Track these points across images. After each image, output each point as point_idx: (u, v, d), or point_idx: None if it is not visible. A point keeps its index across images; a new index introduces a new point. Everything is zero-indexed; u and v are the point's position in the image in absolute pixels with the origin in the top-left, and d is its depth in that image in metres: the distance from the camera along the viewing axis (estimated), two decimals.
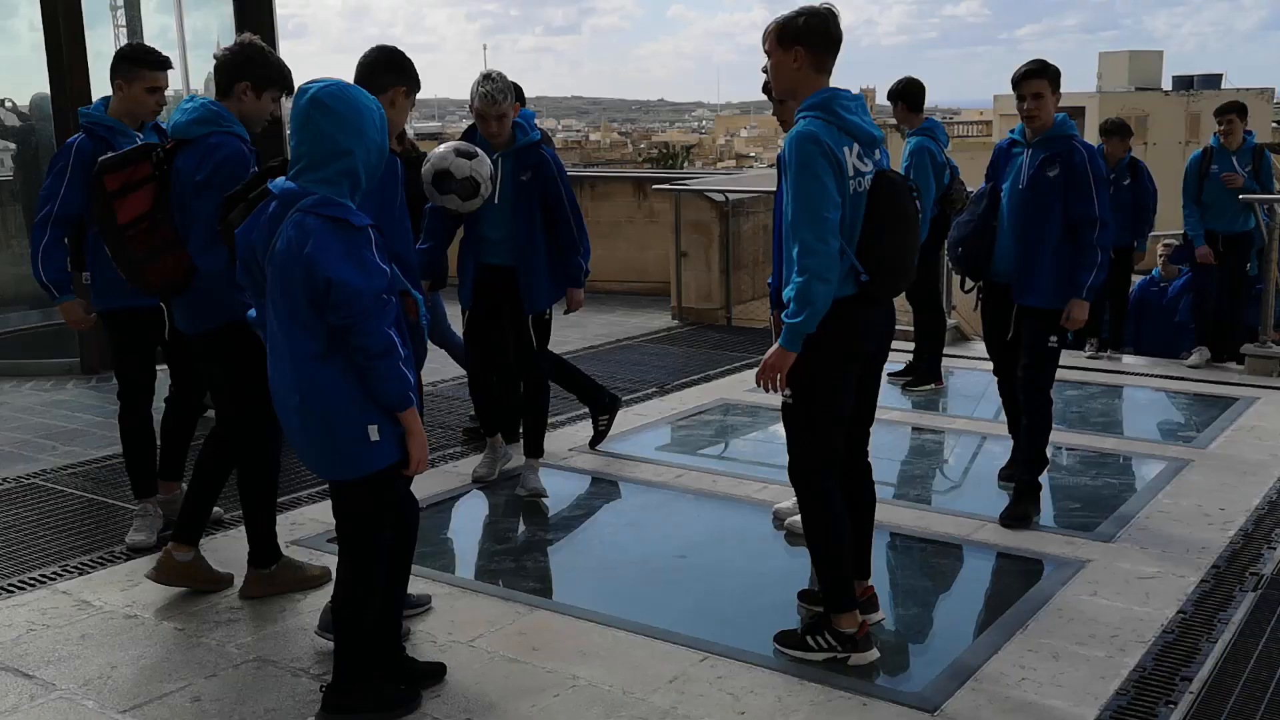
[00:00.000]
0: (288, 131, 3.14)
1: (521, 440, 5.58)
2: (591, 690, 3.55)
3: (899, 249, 3.60)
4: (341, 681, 3.26)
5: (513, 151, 5.10)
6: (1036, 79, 4.88)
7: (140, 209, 3.96)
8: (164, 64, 4.59)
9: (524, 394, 5.49)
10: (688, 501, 5.36)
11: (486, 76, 5.00)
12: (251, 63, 4.01)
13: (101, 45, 8.74)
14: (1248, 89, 59.97)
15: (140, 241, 3.96)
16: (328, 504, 3.56)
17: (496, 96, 4.96)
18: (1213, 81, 60.24)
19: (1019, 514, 4.93)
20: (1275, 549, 4.66)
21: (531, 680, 3.62)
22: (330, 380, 2.96)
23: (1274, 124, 57.33)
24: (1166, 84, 60.32)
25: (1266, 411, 6.89)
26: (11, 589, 4.35)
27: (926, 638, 4.11)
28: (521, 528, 5.19)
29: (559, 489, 5.54)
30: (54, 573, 4.49)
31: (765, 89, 4.29)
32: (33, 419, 6.97)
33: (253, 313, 3.27)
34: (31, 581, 4.43)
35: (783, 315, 3.51)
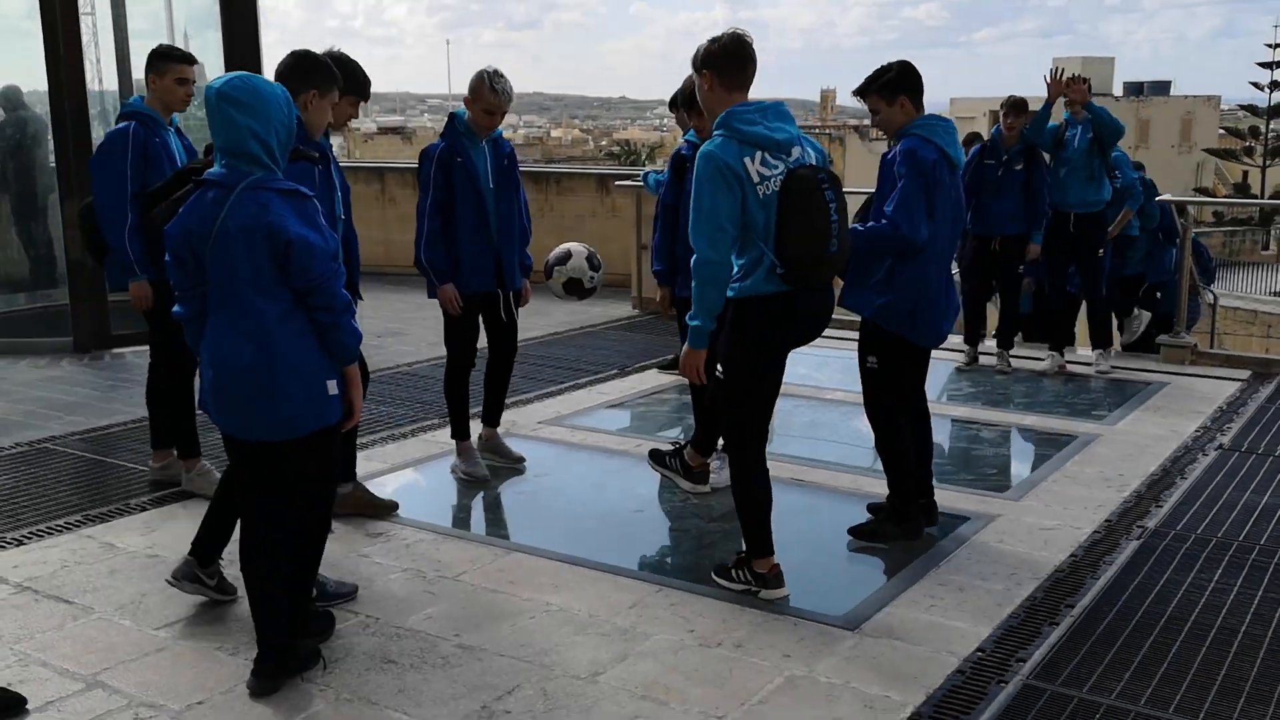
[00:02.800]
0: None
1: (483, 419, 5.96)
2: (562, 614, 4.13)
3: (809, 239, 3.90)
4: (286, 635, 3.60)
5: (493, 140, 5.49)
6: (863, 97, 4.76)
7: None
8: (189, 59, 5.15)
9: (499, 369, 5.86)
10: (645, 467, 5.93)
11: (499, 74, 5.30)
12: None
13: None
14: (1196, 96, 61.40)
15: None
16: None
17: (511, 94, 5.43)
18: (1162, 88, 61.58)
19: (868, 529, 4.92)
20: (1162, 507, 5.31)
21: (510, 607, 4.19)
22: (293, 339, 3.35)
23: (1220, 130, 58.75)
24: (1118, 90, 61.52)
25: (1174, 394, 7.57)
26: (41, 534, 4.86)
27: (853, 575, 4.72)
28: (496, 486, 5.75)
29: (530, 455, 6.08)
30: (78, 520, 5.01)
31: (671, 102, 4.86)
32: (33, 392, 7.43)
33: (178, 309, 3.49)
34: (59, 528, 4.94)
35: (686, 318, 4.05)
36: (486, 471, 5.73)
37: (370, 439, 6.22)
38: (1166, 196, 8.91)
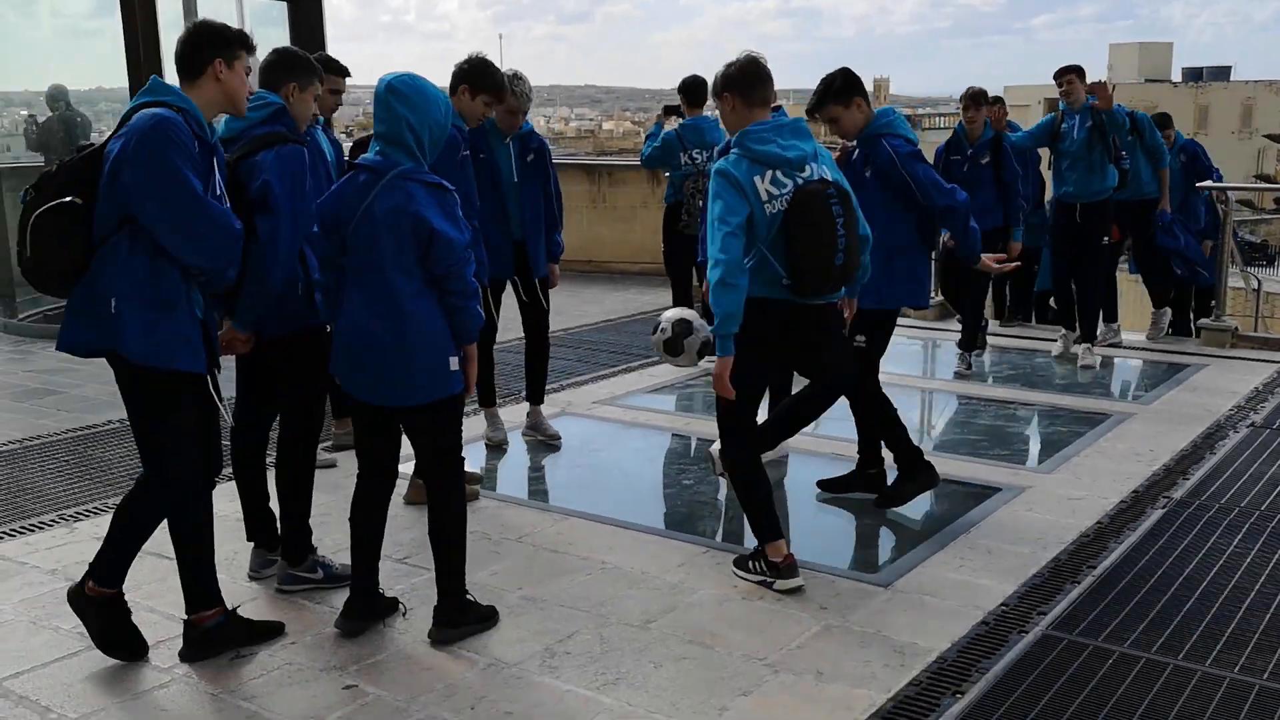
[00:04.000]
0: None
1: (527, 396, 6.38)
2: (617, 571, 4.47)
3: (816, 252, 4.09)
4: (460, 593, 3.93)
5: (519, 137, 5.85)
6: (819, 111, 4.98)
7: None
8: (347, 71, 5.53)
9: (533, 351, 6.21)
10: (692, 443, 6.27)
11: (518, 77, 5.69)
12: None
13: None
14: (1257, 81, 60.40)
15: None
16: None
17: (530, 95, 5.81)
18: (1222, 73, 60.63)
19: (891, 493, 5.17)
20: (1189, 479, 5.55)
21: (569, 565, 4.54)
22: (426, 314, 3.69)
23: None
24: (1176, 75, 60.67)
25: (1211, 376, 7.77)
26: None
27: (892, 540, 5.02)
28: (552, 459, 6.11)
29: (585, 432, 6.47)
30: None
31: (811, 107, 5.04)
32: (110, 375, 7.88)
33: (318, 276, 3.90)
34: None
35: (711, 328, 4.25)
36: (505, 436, 6.19)
37: None
38: (1208, 183, 9.04)
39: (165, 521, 3.76)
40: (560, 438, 6.30)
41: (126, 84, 9.25)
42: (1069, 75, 7.91)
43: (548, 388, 7.06)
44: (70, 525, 5.06)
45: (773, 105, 4.37)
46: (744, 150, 4.13)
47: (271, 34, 10.12)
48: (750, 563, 4.42)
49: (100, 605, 3.72)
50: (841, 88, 4.91)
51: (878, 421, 5.10)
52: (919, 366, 8.35)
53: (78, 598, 3.74)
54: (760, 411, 4.55)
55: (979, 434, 6.57)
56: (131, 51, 9.03)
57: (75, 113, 10.73)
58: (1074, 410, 6.99)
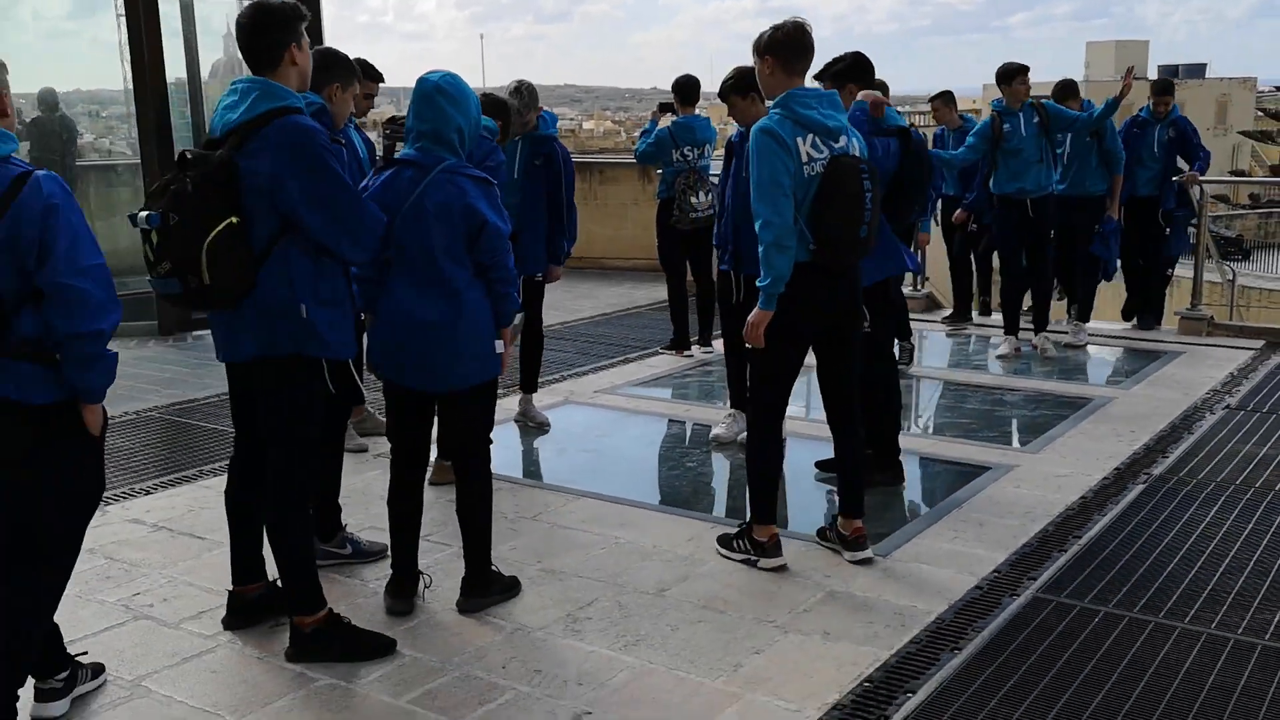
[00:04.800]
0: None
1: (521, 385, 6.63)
2: (630, 545, 4.72)
3: (843, 223, 4.18)
4: (486, 565, 4.16)
5: (529, 138, 6.10)
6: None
7: None
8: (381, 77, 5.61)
9: (529, 342, 6.40)
10: (692, 428, 6.52)
11: (518, 91, 5.99)
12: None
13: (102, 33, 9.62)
14: (1232, 78, 61.06)
15: None
16: None
17: (534, 105, 6.07)
18: (1197, 71, 61.26)
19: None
20: (1168, 457, 5.83)
21: (583, 540, 4.78)
22: (476, 301, 3.87)
23: (1257, 112, 58.45)
24: (1152, 73, 61.22)
25: (1189, 362, 8.06)
26: (165, 485, 5.51)
27: (888, 516, 5.26)
28: (562, 444, 6.35)
29: (588, 419, 6.72)
30: (194, 474, 5.65)
31: (721, 92, 5.25)
32: (130, 369, 8.04)
33: (355, 269, 3.95)
34: (180, 480, 5.58)
35: (756, 282, 4.21)
36: (546, 418, 6.55)
37: None
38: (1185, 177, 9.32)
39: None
40: (549, 424, 6.54)
41: (121, 85, 9.43)
42: (1024, 74, 7.94)
43: (550, 378, 7.34)
44: (102, 509, 5.26)
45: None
46: (788, 112, 4.19)
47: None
48: (735, 541, 4.56)
49: (321, 630, 3.72)
50: (738, 83, 5.12)
51: (878, 405, 5.30)
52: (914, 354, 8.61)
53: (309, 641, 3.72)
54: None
55: (969, 418, 6.84)
56: (135, 54, 9.21)
57: (64, 115, 10.92)
58: (1058, 395, 7.27)
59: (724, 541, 4.62)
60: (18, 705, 3.21)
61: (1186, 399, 6.99)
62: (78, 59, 12.07)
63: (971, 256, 9.31)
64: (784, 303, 4.21)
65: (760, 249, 4.17)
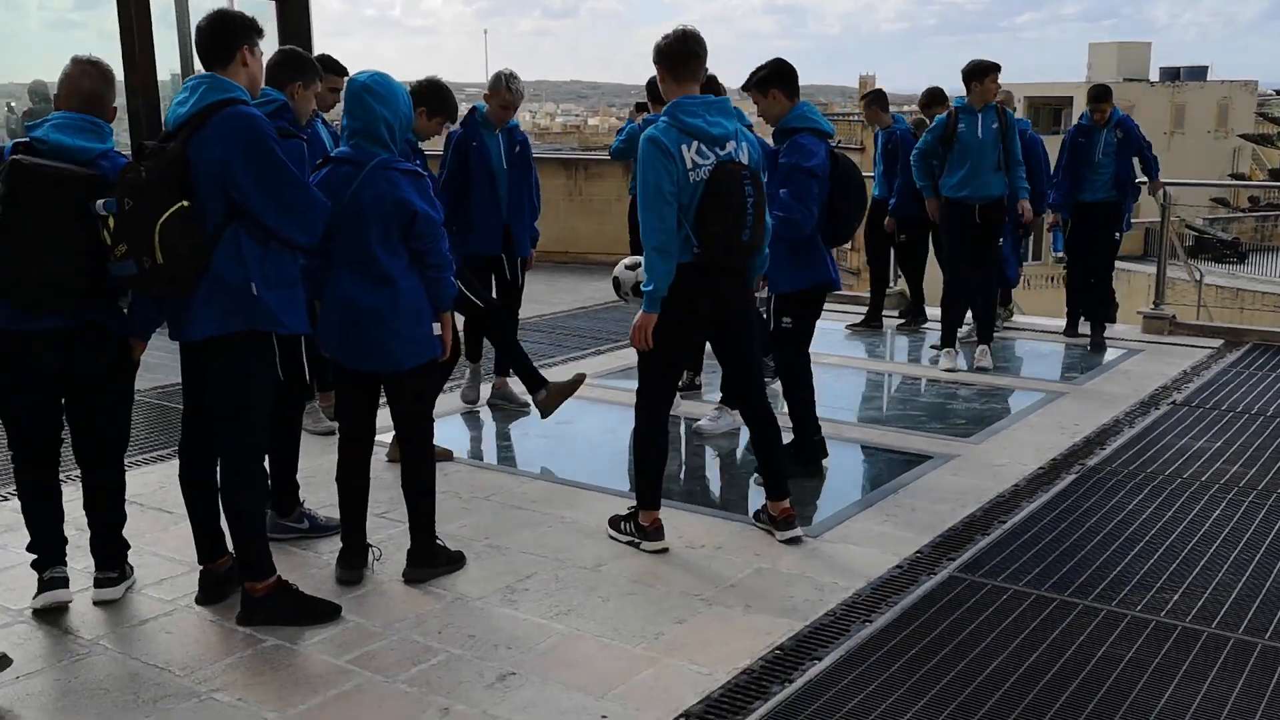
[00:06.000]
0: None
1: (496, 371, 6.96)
2: (575, 525, 4.96)
3: (725, 224, 4.34)
4: (430, 538, 4.40)
5: (507, 130, 6.40)
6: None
7: None
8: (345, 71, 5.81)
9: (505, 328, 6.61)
10: None
11: (514, 76, 6.23)
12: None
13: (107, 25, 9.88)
14: (1234, 81, 61.10)
15: None
16: None
17: (524, 93, 6.35)
18: (1199, 73, 61.24)
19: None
20: (1105, 449, 6.06)
21: (532, 520, 5.02)
22: (412, 288, 4.13)
23: (1257, 115, 58.53)
24: (1154, 75, 61.27)
25: (1145, 360, 8.28)
26: (140, 463, 5.75)
27: (826, 500, 5.49)
28: (522, 429, 6.60)
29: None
30: (169, 454, 5.89)
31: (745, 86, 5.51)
32: None
33: (303, 261, 4.15)
34: (153, 459, 5.84)
35: (641, 286, 4.48)
36: (477, 395, 6.80)
37: None
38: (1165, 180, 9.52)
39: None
40: (529, 405, 6.79)
41: (122, 76, 9.67)
42: (996, 73, 7.68)
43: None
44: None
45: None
46: (674, 120, 4.38)
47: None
48: (622, 524, 4.75)
49: (270, 596, 3.95)
50: (763, 78, 5.36)
51: (794, 399, 5.57)
52: (872, 350, 8.85)
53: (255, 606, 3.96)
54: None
55: (920, 410, 7.08)
56: (126, 45, 9.44)
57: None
58: (1009, 389, 7.50)
59: (613, 523, 4.80)
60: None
61: (1135, 394, 7.21)
62: (84, 50, 12.29)
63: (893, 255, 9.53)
64: (671, 305, 4.40)
65: (644, 256, 4.41)
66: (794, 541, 4.71)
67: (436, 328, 4.23)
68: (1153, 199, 9.29)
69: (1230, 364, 8.08)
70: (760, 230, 4.52)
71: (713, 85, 7.96)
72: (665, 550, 4.65)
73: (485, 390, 7.02)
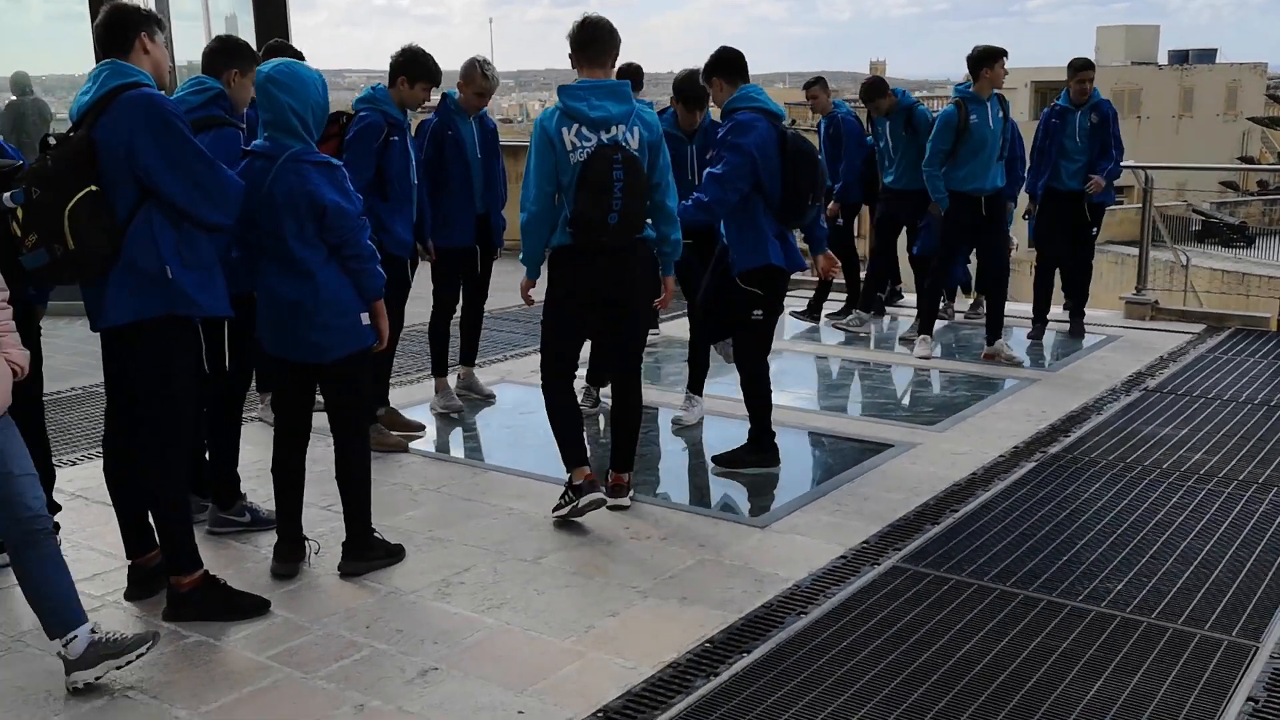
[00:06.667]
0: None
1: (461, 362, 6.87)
2: (521, 516, 4.91)
3: (592, 206, 4.47)
4: (366, 530, 4.38)
5: (479, 117, 6.33)
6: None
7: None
8: (300, 55, 5.69)
9: (471, 315, 6.68)
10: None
11: (488, 63, 6.16)
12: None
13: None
14: (1242, 63, 60.64)
15: None
16: None
17: (498, 80, 6.27)
18: (1208, 56, 60.79)
19: (730, 456, 5.57)
20: (1069, 436, 5.98)
21: (479, 511, 4.98)
22: (334, 279, 4.09)
23: (1266, 97, 58.10)
24: (1163, 58, 60.84)
25: (1121, 346, 8.19)
26: (91, 457, 5.71)
27: (782, 490, 5.43)
28: (485, 420, 6.55)
29: (518, 397, 6.90)
30: None
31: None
32: (85, 347, 8.23)
33: (234, 252, 4.15)
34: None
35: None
36: (460, 404, 6.61)
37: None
38: (1132, 163, 9.44)
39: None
40: (495, 396, 6.76)
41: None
42: (1004, 59, 7.44)
43: (492, 358, 7.56)
44: None
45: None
46: (560, 103, 4.59)
47: (240, 21, 10.54)
48: (561, 498, 4.82)
49: (196, 590, 3.93)
50: (704, 69, 5.42)
51: (750, 391, 5.52)
52: (850, 337, 8.77)
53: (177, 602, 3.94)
54: None
55: (888, 398, 7.02)
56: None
57: (37, 98, 11.13)
58: (983, 376, 7.42)
59: (556, 508, 4.83)
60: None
61: (1108, 381, 7.13)
62: (88, 42, 12.23)
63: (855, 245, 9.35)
64: (554, 282, 4.76)
65: (521, 232, 4.69)
66: (619, 509, 4.89)
67: (365, 318, 4.17)
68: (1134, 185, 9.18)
69: (1209, 350, 8.00)
70: (633, 212, 4.57)
71: (634, 74, 7.95)
72: (601, 503, 4.74)
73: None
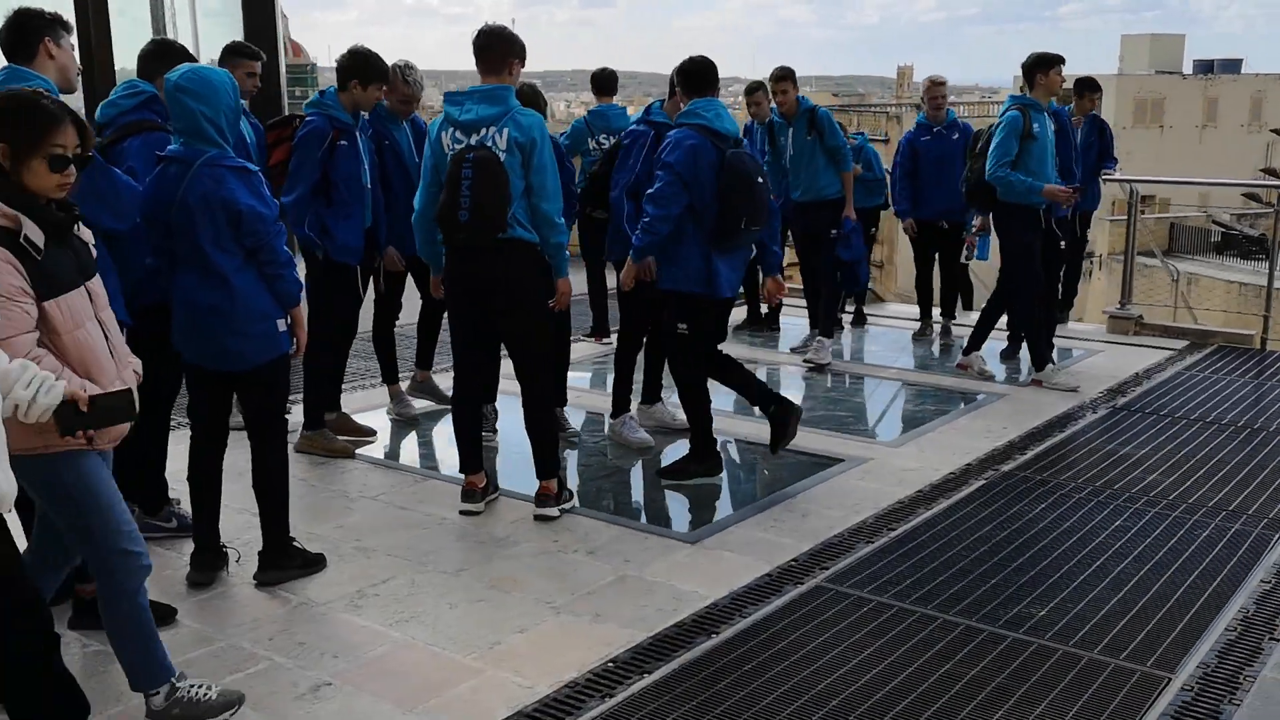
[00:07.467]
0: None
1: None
2: (451, 526, 4.87)
3: (445, 206, 4.67)
4: (283, 539, 4.34)
5: (412, 121, 6.26)
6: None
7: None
8: (258, 55, 5.75)
9: (429, 319, 6.60)
10: (584, 416, 6.64)
11: (410, 67, 6.06)
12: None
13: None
14: (1268, 74, 60.10)
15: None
16: None
17: (423, 84, 6.20)
18: (1233, 66, 60.28)
19: (674, 468, 5.55)
20: (1025, 454, 5.89)
21: (411, 520, 4.94)
22: (249, 285, 4.05)
23: None
24: (1188, 68, 60.30)
25: (1100, 361, 8.08)
26: None
27: (721, 504, 5.37)
28: (437, 426, 6.50)
29: None
30: None
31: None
32: None
33: (150, 260, 4.23)
34: None
35: None
36: (415, 410, 6.57)
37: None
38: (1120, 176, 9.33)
39: None
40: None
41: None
42: (1060, 65, 7.06)
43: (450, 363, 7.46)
44: None
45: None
46: (445, 109, 4.82)
47: (221, 24, 10.55)
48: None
49: None
50: (672, 74, 5.46)
51: (687, 406, 5.47)
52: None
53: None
54: None
55: (849, 410, 6.94)
56: (82, 36, 9.41)
57: None
58: (952, 390, 7.33)
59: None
60: None
61: (1077, 397, 7.03)
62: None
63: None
64: (446, 277, 4.97)
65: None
66: (545, 519, 4.92)
67: (281, 324, 4.14)
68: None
69: (1187, 367, 7.88)
70: (484, 211, 4.62)
71: (606, 78, 8.17)
72: (474, 513, 4.97)
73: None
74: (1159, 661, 3.69)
